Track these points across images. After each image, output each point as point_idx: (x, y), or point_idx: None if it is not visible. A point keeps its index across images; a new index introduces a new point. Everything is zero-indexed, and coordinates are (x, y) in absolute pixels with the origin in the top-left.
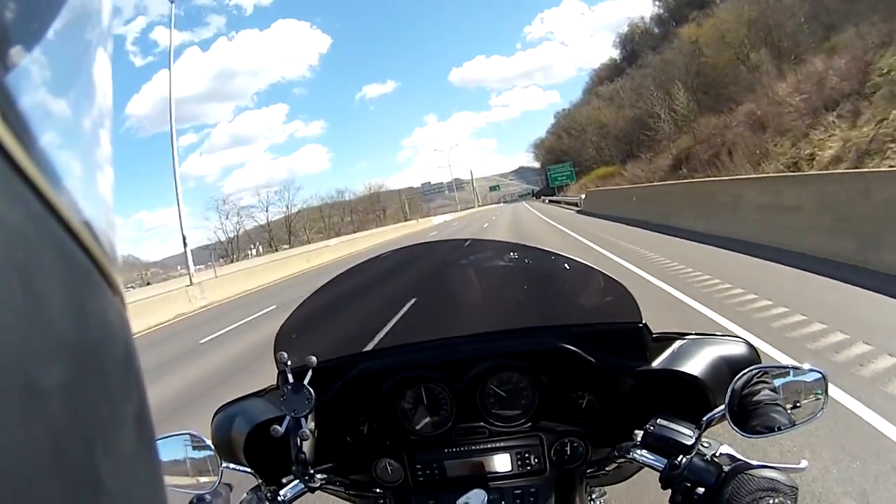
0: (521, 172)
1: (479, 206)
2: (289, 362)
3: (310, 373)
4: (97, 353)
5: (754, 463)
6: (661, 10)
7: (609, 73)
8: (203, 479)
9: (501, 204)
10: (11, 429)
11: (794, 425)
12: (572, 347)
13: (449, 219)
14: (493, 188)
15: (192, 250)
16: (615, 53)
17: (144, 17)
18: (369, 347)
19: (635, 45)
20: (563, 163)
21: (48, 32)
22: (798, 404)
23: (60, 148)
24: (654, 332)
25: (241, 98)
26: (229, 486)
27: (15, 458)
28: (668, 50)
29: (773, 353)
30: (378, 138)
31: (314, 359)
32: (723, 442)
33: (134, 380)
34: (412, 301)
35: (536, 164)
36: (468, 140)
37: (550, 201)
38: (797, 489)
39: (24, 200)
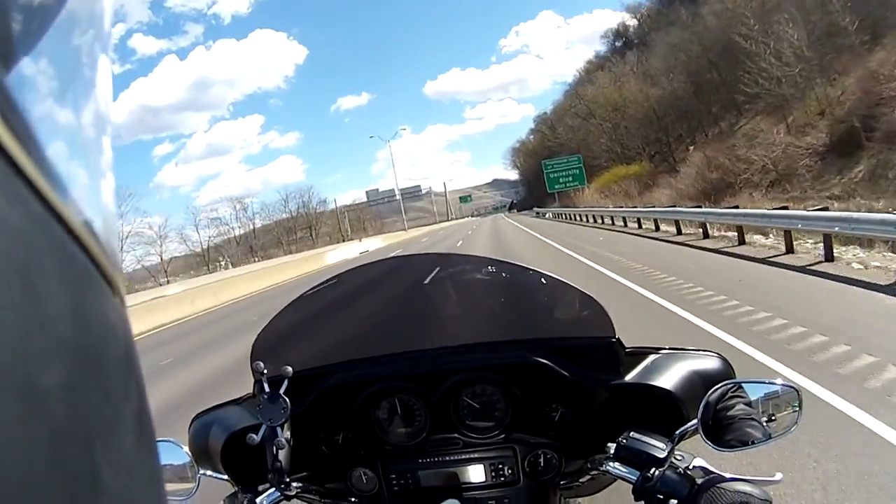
0: (495, 184)
1: (451, 219)
2: (265, 371)
3: (286, 382)
4: (97, 353)
5: (727, 476)
6: None
7: (613, 49)
8: (180, 486)
9: (474, 218)
10: (11, 429)
11: (769, 439)
12: (546, 361)
13: (380, 245)
14: (463, 199)
15: (167, 260)
16: (622, 19)
17: (123, 23)
18: (345, 358)
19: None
20: (563, 156)
21: (48, 35)
22: (773, 418)
23: (61, 148)
24: (627, 346)
25: (217, 108)
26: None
27: (15, 458)
28: None
29: None
30: (353, 150)
31: (290, 369)
32: (696, 455)
33: (134, 380)
34: (388, 312)
35: (512, 175)
36: (442, 153)
37: (540, 215)
38: (771, 502)
39: (24, 201)
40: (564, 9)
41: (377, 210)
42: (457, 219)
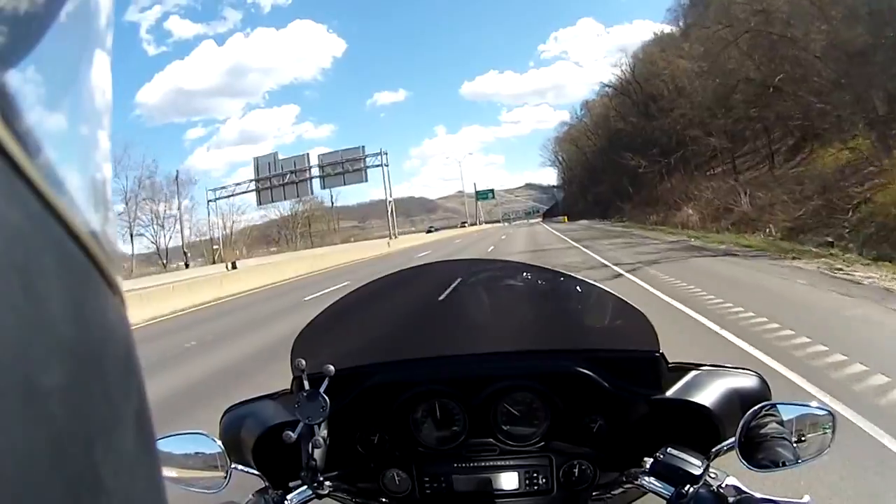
0: (527, 189)
1: (477, 223)
2: (305, 369)
3: (326, 381)
4: (97, 353)
5: (758, 497)
6: None
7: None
8: (211, 479)
9: (502, 225)
10: (11, 429)
11: (800, 461)
12: (588, 372)
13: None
14: (481, 195)
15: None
16: None
17: (161, 6)
18: (385, 359)
19: None
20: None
21: (48, 35)
22: (804, 439)
23: (61, 148)
24: (670, 361)
25: (252, 95)
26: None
27: (15, 458)
28: None
29: None
30: (386, 146)
31: (332, 368)
32: (729, 473)
33: (134, 380)
34: (429, 315)
35: (546, 178)
36: (477, 154)
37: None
38: None
39: (24, 200)
40: (605, 17)
41: (406, 207)
42: (483, 223)
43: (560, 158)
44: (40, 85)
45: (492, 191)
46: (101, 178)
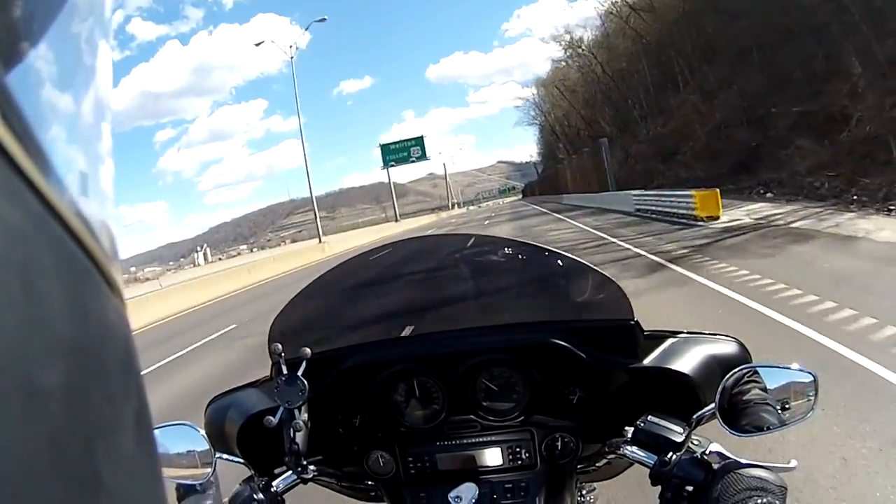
0: (499, 167)
1: (449, 207)
2: (283, 354)
3: (304, 364)
4: (97, 353)
5: (744, 461)
6: None
7: None
8: (196, 470)
9: (460, 210)
10: (11, 429)
11: (784, 425)
12: (563, 343)
13: None
14: (504, 191)
15: (156, 249)
16: None
17: (122, 10)
18: (362, 340)
19: None
20: None
21: (48, 34)
22: (788, 404)
23: (61, 148)
24: (645, 329)
25: (219, 93)
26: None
27: (15, 458)
28: None
29: None
30: (356, 134)
31: (308, 350)
32: (713, 440)
33: (134, 380)
34: (406, 294)
35: (517, 157)
36: (446, 136)
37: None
38: (786, 488)
39: (24, 200)
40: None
41: (376, 192)
42: (449, 209)
43: (544, 114)
44: (41, 85)
45: (514, 187)
46: (102, 178)
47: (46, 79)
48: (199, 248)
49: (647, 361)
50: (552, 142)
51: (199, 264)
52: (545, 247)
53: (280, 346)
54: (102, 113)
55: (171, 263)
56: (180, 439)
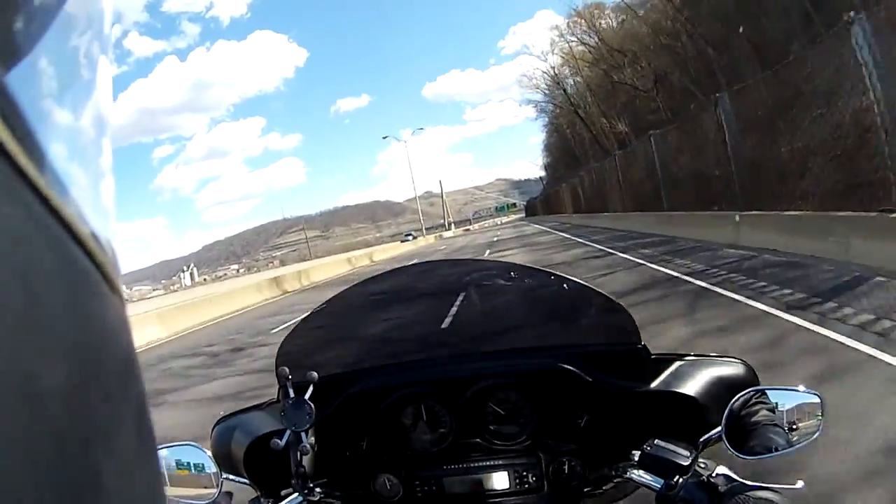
0: (497, 184)
1: (455, 230)
2: (290, 377)
3: (311, 388)
4: (97, 354)
5: (750, 484)
6: None
7: None
8: (203, 490)
9: (446, 238)
10: (11, 429)
11: (792, 446)
12: (571, 368)
13: None
14: (500, 209)
15: (149, 267)
16: None
17: (119, 24)
18: (370, 364)
19: None
20: None
21: (48, 35)
22: (795, 426)
23: (61, 148)
24: (653, 353)
25: (216, 109)
26: (230, 493)
27: (15, 459)
28: None
29: None
30: (353, 152)
31: (315, 374)
32: (719, 463)
33: (134, 381)
34: (413, 319)
35: (516, 175)
36: (444, 154)
37: None
38: None
39: (24, 201)
40: (563, 8)
41: (371, 211)
42: (446, 229)
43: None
44: (42, 85)
45: (514, 203)
46: (103, 178)
47: (47, 80)
48: (185, 268)
49: (653, 385)
50: (570, 142)
51: (185, 285)
52: (551, 271)
53: (287, 369)
54: (103, 117)
55: (162, 282)
56: (186, 459)
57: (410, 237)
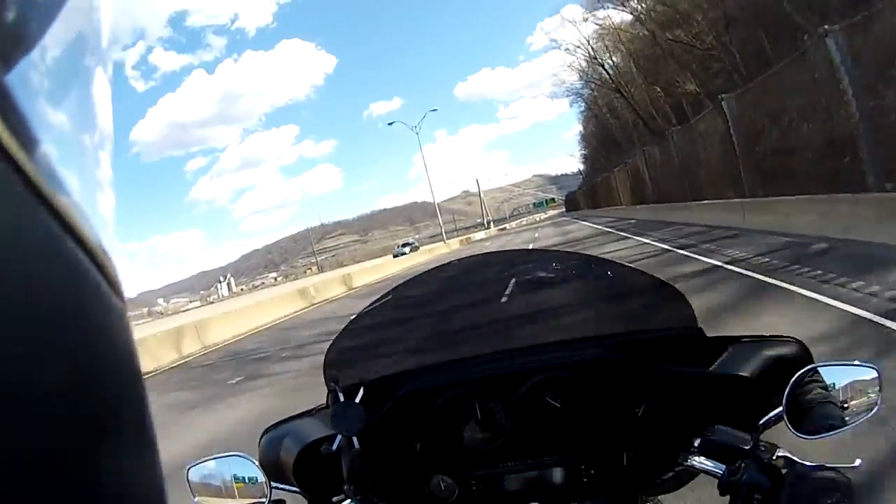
0: (534, 181)
1: (488, 229)
2: (339, 381)
3: (361, 391)
4: (97, 353)
5: (810, 465)
6: None
7: None
8: (252, 499)
9: (484, 237)
10: (11, 429)
11: (849, 423)
12: (627, 356)
13: None
14: (538, 205)
15: (188, 278)
16: None
17: (143, 41)
18: (420, 365)
19: None
20: None
21: (49, 35)
22: (851, 401)
23: (61, 148)
24: (707, 335)
25: (248, 120)
26: (281, 502)
27: (15, 459)
28: None
29: None
30: (388, 155)
31: (366, 377)
32: (778, 445)
33: (134, 380)
34: (461, 315)
35: (552, 170)
36: (480, 153)
37: None
38: (853, 487)
39: (25, 200)
40: (587, 1)
41: (409, 213)
42: (485, 227)
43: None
44: (41, 85)
45: (553, 198)
46: (102, 178)
47: (47, 81)
48: (221, 279)
49: (711, 369)
50: (610, 127)
51: (223, 295)
52: (596, 256)
53: (336, 373)
54: (102, 116)
55: (200, 293)
56: (234, 470)
57: (407, 248)
